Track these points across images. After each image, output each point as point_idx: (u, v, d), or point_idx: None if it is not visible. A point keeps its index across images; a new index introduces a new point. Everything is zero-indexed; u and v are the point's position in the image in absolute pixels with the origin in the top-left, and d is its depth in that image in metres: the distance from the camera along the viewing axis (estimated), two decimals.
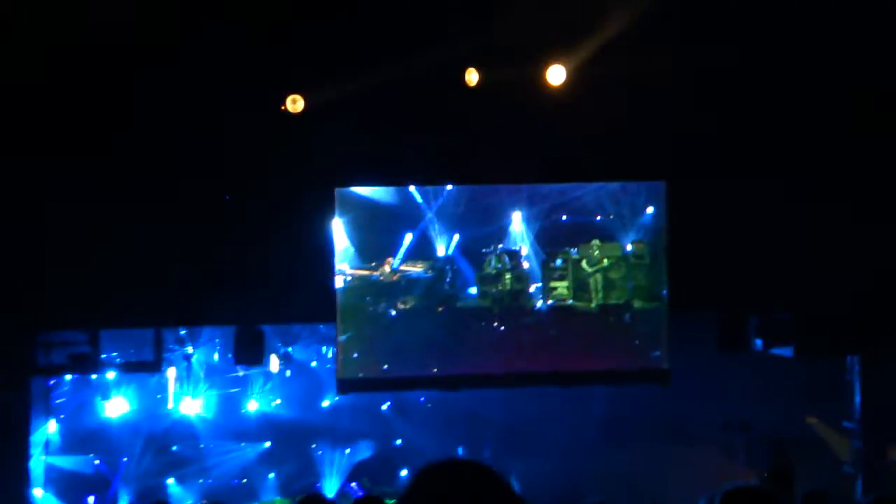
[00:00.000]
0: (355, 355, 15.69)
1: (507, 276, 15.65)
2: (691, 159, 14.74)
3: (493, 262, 15.65)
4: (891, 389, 15.74)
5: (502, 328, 15.75)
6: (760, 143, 14.71)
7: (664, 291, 15.53)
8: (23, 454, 15.37)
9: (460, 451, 21.86)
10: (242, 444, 22.43)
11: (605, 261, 15.72)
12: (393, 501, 19.62)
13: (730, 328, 15.55)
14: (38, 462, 17.18)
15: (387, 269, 15.54)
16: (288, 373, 21.98)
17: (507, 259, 15.65)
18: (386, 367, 15.76)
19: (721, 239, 14.80)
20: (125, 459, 21.35)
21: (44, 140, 14.07)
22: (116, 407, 20.78)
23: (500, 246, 15.65)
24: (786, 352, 15.67)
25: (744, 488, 5.21)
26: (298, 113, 14.16)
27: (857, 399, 16.10)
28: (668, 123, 14.50)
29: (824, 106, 14.55)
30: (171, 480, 21.61)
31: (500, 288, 15.68)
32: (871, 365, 15.89)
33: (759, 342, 15.71)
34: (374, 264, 15.54)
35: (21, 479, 15.24)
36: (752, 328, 15.68)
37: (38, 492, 17.23)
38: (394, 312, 15.66)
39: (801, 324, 15.33)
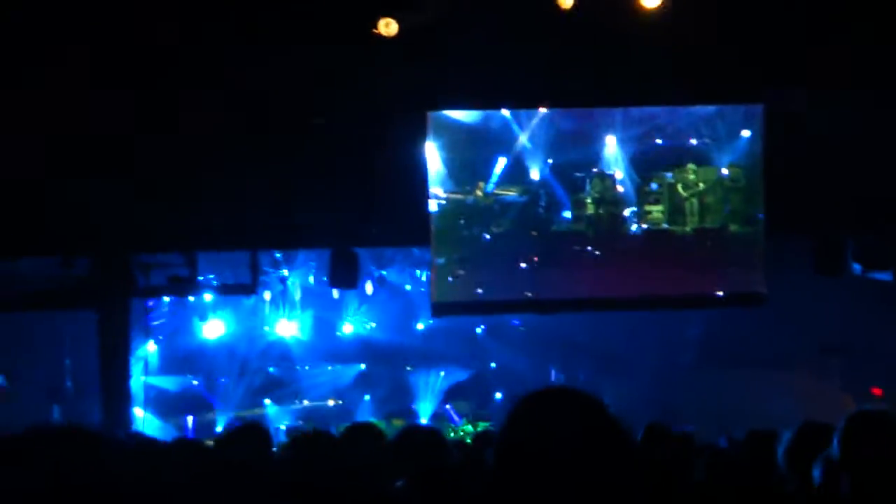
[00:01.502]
0: (450, 279, 15.73)
1: (603, 200, 15.57)
2: (789, 82, 14.52)
3: (590, 186, 15.58)
4: None
5: (597, 252, 15.69)
6: (860, 65, 14.43)
7: (760, 215, 15.38)
8: (124, 374, 15.64)
9: (553, 374, 21.93)
10: (338, 367, 22.65)
11: (701, 185, 15.59)
12: (486, 424, 19.78)
13: (827, 252, 15.38)
14: (138, 382, 17.47)
15: (480, 192, 15.53)
16: (382, 296, 22.10)
17: (602, 183, 15.57)
18: (480, 290, 15.80)
19: (818, 162, 14.59)
20: (223, 380, 21.66)
21: (137, 66, 14.14)
22: (213, 329, 21.05)
23: (595, 170, 15.56)
24: (885, 276, 15.48)
25: (870, 412, 5.13)
26: (392, 36, 14.12)
27: None
28: (766, 46, 14.28)
29: None
30: (267, 401, 21.90)
31: (594, 212, 15.62)
32: None
33: (857, 266, 15.53)
34: (467, 188, 15.53)
35: (122, 399, 15.52)
36: (849, 252, 15.50)
37: (138, 411, 17.55)
38: (488, 236, 15.66)
39: None
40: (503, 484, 2.88)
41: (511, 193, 15.62)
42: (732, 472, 6.67)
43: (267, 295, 21.06)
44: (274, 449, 6.86)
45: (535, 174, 15.55)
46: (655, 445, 7.56)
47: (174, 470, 6.26)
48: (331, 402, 22.27)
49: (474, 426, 20.33)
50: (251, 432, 6.93)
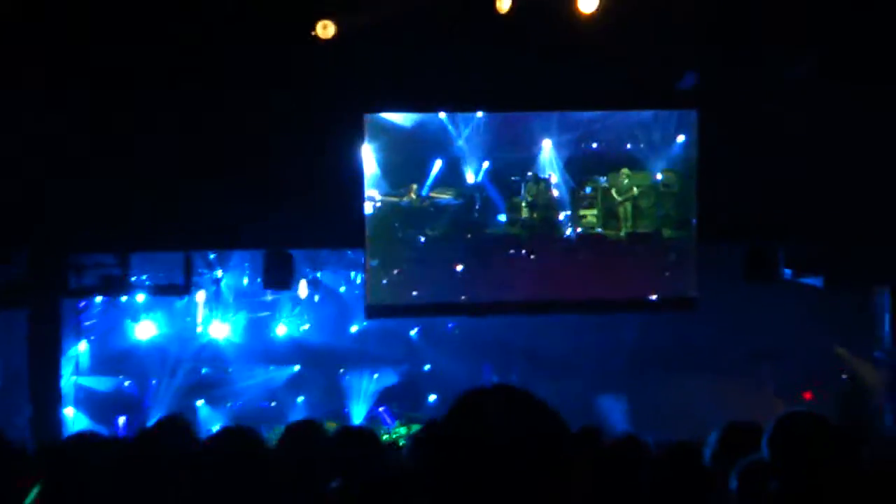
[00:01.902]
0: (384, 281, 15.74)
1: (538, 203, 15.63)
2: (722, 87, 14.64)
3: (525, 189, 15.63)
4: None
5: (531, 256, 15.76)
6: (791, 64, 14.55)
7: (693, 220, 15.49)
8: (54, 374, 15.52)
9: (487, 376, 21.96)
10: (271, 368, 22.57)
11: (635, 189, 15.69)
12: (420, 426, 19.76)
13: (759, 258, 15.52)
14: (68, 382, 17.33)
15: (414, 195, 15.54)
16: (316, 298, 22.05)
17: (536, 186, 15.63)
18: (414, 293, 15.82)
19: (750, 168, 14.72)
20: (155, 382, 21.52)
21: (77, 68, 14.05)
22: (146, 329, 20.93)
23: (530, 174, 15.62)
24: (815, 282, 15.63)
25: (797, 412, 5.20)
26: (329, 38, 14.10)
27: (887, 329, 16.08)
28: (700, 50, 14.39)
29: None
30: (200, 402, 21.78)
31: (529, 216, 15.67)
32: None
33: (788, 272, 15.68)
34: (402, 190, 15.54)
35: (53, 398, 15.40)
36: (781, 258, 15.65)
37: (69, 411, 17.41)
38: (423, 239, 15.69)
39: (830, 254, 15.28)
40: (442, 478, 2.92)
41: (446, 196, 15.66)
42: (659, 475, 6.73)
43: (200, 296, 20.94)
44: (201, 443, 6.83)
45: (470, 177, 15.60)
46: (588, 448, 7.60)
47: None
48: (264, 404, 22.20)
49: (408, 428, 20.32)
50: (173, 424, 6.88)
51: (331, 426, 8.35)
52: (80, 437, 6.39)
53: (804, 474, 4.88)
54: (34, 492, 5.11)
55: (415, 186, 15.53)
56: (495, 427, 2.94)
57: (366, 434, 6.72)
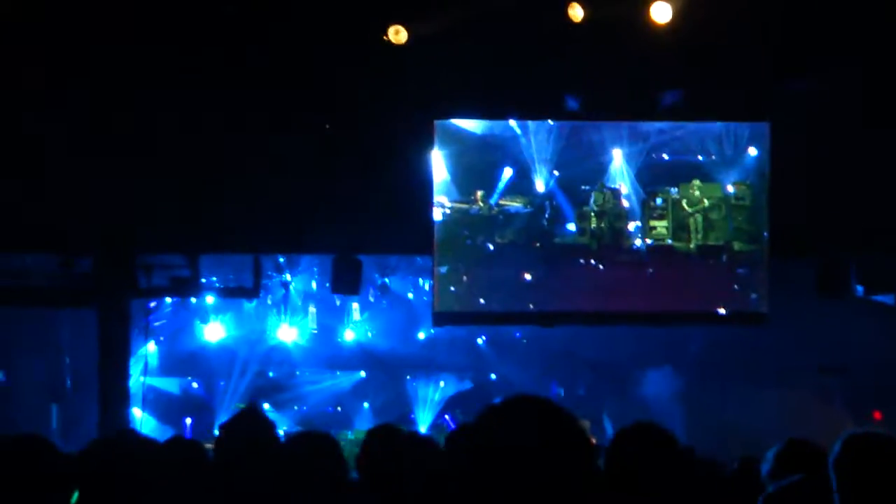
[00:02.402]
0: (452, 288, 15.71)
1: (607, 213, 15.57)
2: (796, 100, 14.52)
3: (593, 199, 15.57)
4: None
5: (600, 266, 15.67)
6: (867, 86, 14.42)
7: (765, 234, 15.36)
8: (122, 374, 15.61)
9: (553, 387, 21.90)
10: (338, 373, 22.64)
11: (706, 201, 15.58)
12: None
13: (831, 273, 15.37)
14: (137, 382, 17.46)
15: (483, 203, 15.52)
16: (384, 304, 22.09)
17: (607, 196, 15.57)
18: (482, 301, 15.78)
19: (824, 182, 14.59)
20: (222, 383, 21.65)
21: (149, 69, 14.16)
22: (214, 331, 21.06)
23: (600, 183, 15.56)
24: (887, 298, 15.46)
25: (870, 433, 5.03)
26: (401, 44, 14.12)
27: None
28: (774, 62, 14.28)
29: None
30: (266, 406, 21.88)
31: (599, 225, 15.60)
32: None
33: (860, 288, 15.51)
34: (472, 198, 15.52)
35: (121, 399, 15.49)
36: (853, 273, 15.49)
37: (137, 412, 17.53)
38: (491, 247, 15.64)
39: None
40: (468, 486, 2.95)
41: (516, 204, 15.61)
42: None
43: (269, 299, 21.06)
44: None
45: (540, 186, 15.54)
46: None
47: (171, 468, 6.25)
48: (330, 409, 22.27)
49: None
50: (252, 418, 6.87)
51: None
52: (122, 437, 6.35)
53: (871, 500, 4.73)
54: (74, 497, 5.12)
55: (483, 194, 15.49)
56: (516, 436, 2.96)
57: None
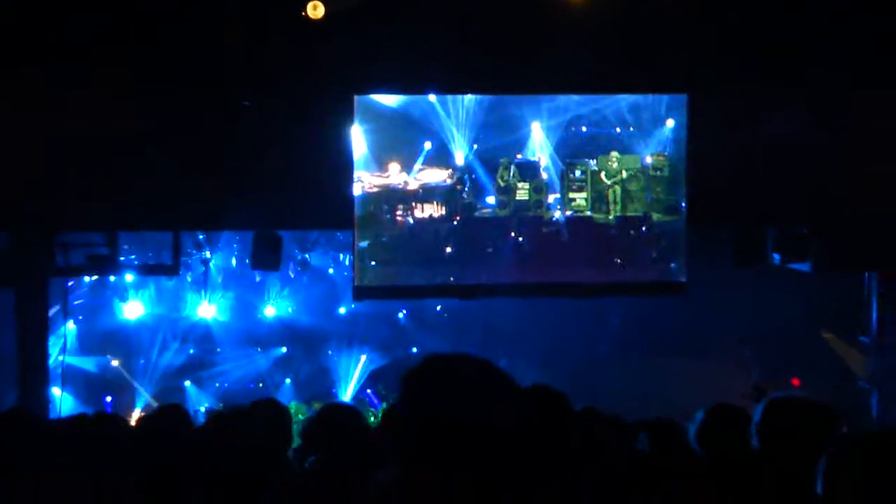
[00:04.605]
0: (372, 263, 15.72)
1: (525, 186, 15.63)
2: (713, 71, 14.65)
3: (510, 172, 15.63)
4: None
5: (520, 238, 15.74)
6: (782, 52, 14.58)
7: (683, 204, 15.50)
8: (42, 354, 15.49)
9: None
10: (258, 349, 22.59)
11: (624, 173, 15.69)
12: None
13: (747, 242, 15.55)
14: (56, 362, 17.32)
15: (405, 177, 15.53)
16: (305, 279, 22.06)
17: (523, 169, 15.63)
18: (403, 275, 15.80)
19: (741, 153, 14.75)
20: (142, 361, 21.53)
21: (63, 46, 14.02)
22: (134, 309, 20.92)
23: (519, 156, 15.62)
24: (803, 266, 15.66)
25: (791, 398, 5.13)
26: (319, 19, 14.08)
27: (874, 314, 16.12)
28: (691, 34, 14.40)
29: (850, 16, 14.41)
30: (187, 383, 21.80)
31: (517, 198, 15.67)
32: (887, 280, 15.90)
33: (776, 257, 15.70)
34: (391, 172, 15.52)
35: (40, 378, 15.37)
36: (769, 243, 15.68)
37: (56, 391, 17.40)
38: (411, 221, 15.66)
39: (818, 238, 15.30)
40: (411, 444, 2.97)
41: (436, 178, 15.63)
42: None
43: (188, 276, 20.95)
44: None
45: (459, 159, 15.58)
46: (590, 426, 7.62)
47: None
48: (251, 385, 22.21)
49: None
50: (172, 412, 6.90)
51: (318, 407, 8.37)
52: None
53: (795, 462, 4.80)
54: None
55: (403, 167, 15.50)
56: (453, 389, 3.01)
57: (350, 411, 6.73)
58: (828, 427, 4.89)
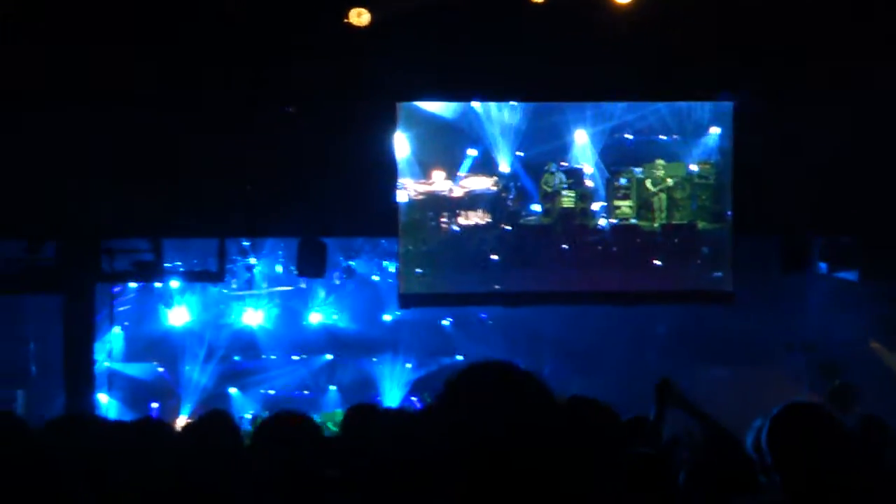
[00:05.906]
0: (417, 270, 15.72)
1: (570, 193, 15.59)
2: (760, 79, 14.57)
3: (555, 180, 15.59)
4: None
5: (565, 246, 15.70)
6: (830, 61, 14.48)
7: (728, 212, 15.42)
8: (88, 360, 15.56)
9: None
10: (304, 357, 22.59)
11: (670, 180, 15.63)
12: None
13: (794, 250, 15.45)
14: (102, 368, 17.38)
15: (450, 184, 15.51)
16: (350, 287, 22.05)
17: (568, 176, 15.59)
18: (447, 282, 15.78)
19: (787, 160, 14.65)
20: (188, 368, 21.57)
21: (112, 53, 14.10)
22: (179, 316, 20.96)
23: (564, 164, 15.58)
24: (850, 275, 15.54)
25: (803, 404, 5.09)
26: (363, 26, 14.09)
27: None
28: (737, 43, 14.32)
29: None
30: (233, 390, 21.82)
31: (562, 205, 15.63)
32: None
33: (823, 265, 15.59)
34: (436, 179, 15.51)
35: (86, 384, 15.44)
36: (816, 251, 15.57)
37: (102, 397, 17.47)
38: (456, 228, 15.65)
39: (866, 247, 15.19)
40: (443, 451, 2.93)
41: (481, 185, 15.61)
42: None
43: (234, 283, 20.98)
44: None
45: (504, 166, 15.55)
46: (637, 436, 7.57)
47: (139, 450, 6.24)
48: (296, 392, 22.22)
49: None
50: (218, 419, 6.89)
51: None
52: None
53: (806, 473, 4.75)
54: None
55: (448, 175, 15.49)
56: (489, 402, 2.98)
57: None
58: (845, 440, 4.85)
